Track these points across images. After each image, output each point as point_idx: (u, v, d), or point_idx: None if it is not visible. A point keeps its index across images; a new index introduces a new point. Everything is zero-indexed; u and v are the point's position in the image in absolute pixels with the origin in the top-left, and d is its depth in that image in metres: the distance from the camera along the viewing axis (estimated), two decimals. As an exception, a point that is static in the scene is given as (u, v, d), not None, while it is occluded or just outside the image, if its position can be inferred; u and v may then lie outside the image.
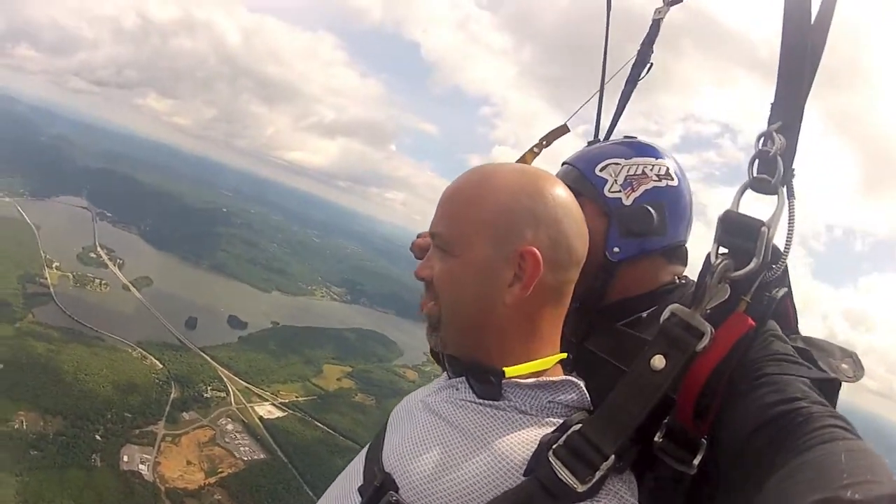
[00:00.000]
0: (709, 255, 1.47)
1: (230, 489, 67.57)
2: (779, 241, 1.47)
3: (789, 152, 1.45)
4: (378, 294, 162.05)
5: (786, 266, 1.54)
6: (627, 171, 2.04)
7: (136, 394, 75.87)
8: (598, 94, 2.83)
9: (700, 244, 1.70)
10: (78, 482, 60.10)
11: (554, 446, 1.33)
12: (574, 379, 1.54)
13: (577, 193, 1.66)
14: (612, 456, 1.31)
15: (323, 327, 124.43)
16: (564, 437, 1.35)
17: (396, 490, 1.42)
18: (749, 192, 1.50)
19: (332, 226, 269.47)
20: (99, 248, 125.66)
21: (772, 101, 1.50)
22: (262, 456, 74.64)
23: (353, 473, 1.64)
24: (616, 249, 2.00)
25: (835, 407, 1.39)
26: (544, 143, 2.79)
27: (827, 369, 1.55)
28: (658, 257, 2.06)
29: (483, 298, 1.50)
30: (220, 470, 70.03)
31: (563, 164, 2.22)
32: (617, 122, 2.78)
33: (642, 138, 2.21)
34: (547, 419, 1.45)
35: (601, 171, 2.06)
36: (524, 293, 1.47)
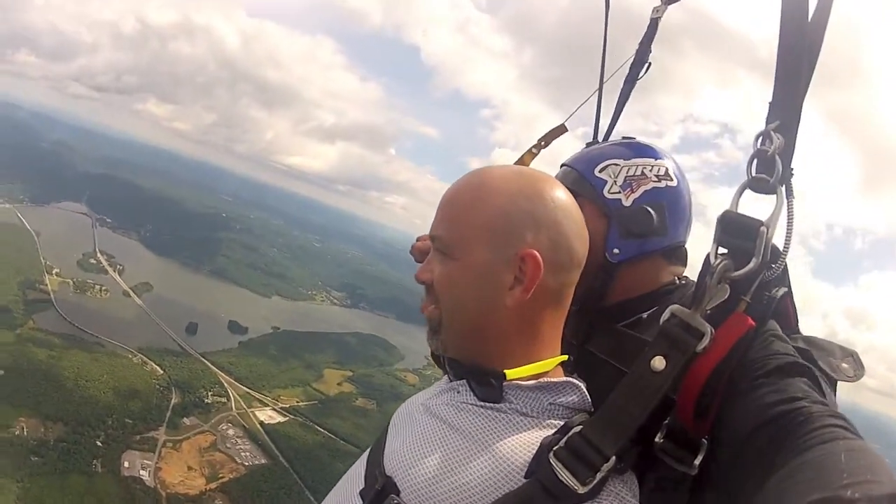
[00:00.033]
0: (708, 256, 1.46)
1: (231, 494, 67.52)
2: (778, 240, 1.47)
3: (788, 151, 1.45)
4: (378, 298, 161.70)
5: (785, 265, 1.53)
6: (627, 172, 2.04)
7: (136, 400, 75.82)
8: (596, 94, 2.83)
9: (699, 245, 1.69)
10: (79, 488, 60.00)
11: (555, 448, 1.33)
12: (575, 381, 1.54)
13: (576, 195, 1.67)
14: (613, 457, 1.31)
15: (323, 332, 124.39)
16: (565, 438, 1.35)
17: (398, 493, 1.42)
18: (748, 191, 1.49)
19: (332, 230, 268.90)
20: (99, 254, 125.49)
21: (770, 100, 1.50)
22: (263, 461, 74.52)
23: (355, 477, 1.64)
24: (616, 251, 1.99)
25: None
26: (542, 143, 2.79)
27: (827, 369, 1.55)
28: (658, 258, 2.06)
29: (484, 301, 1.50)
30: (221, 475, 69.88)
31: (562, 165, 2.22)
32: (616, 122, 2.77)
33: (641, 139, 2.21)
34: (548, 421, 1.45)
35: (600, 172, 2.05)
36: (525, 296, 1.47)
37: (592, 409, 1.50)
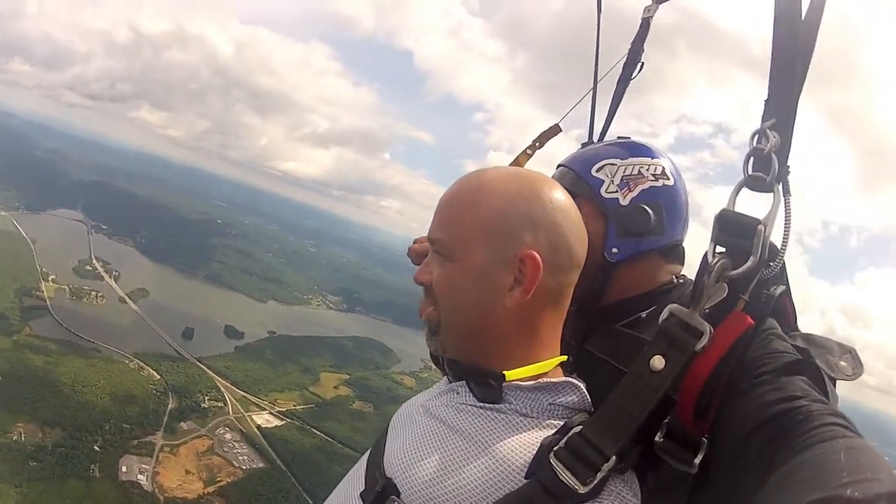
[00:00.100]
0: (706, 255, 1.46)
1: (229, 498, 67.34)
2: (775, 238, 1.46)
3: (784, 149, 1.44)
4: (374, 302, 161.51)
5: (783, 263, 1.52)
6: (624, 172, 2.04)
7: (133, 404, 75.61)
8: (590, 95, 2.83)
9: (696, 244, 1.70)
10: (77, 493, 59.91)
11: (555, 448, 1.33)
12: (574, 381, 1.54)
13: (573, 195, 1.66)
14: (614, 457, 1.31)
15: (320, 336, 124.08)
16: (565, 439, 1.35)
17: (398, 495, 1.42)
18: (745, 190, 1.49)
19: (327, 235, 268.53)
20: (95, 261, 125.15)
21: (765, 98, 1.49)
22: (260, 464, 74.37)
23: (355, 479, 1.64)
24: (614, 250, 1.99)
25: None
26: (537, 144, 2.79)
27: (825, 367, 1.54)
28: (656, 257, 2.05)
29: (483, 302, 1.50)
30: (218, 479, 69.75)
31: (559, 166, 2.21)
32: (611, 122, 2.77)
33: (637, 138, 2.20)
34: (548, 421, 1.45)
35: (597, 171, 2.05)
36: (525, 297, 1.47)
37: (592, 409, 1.49)
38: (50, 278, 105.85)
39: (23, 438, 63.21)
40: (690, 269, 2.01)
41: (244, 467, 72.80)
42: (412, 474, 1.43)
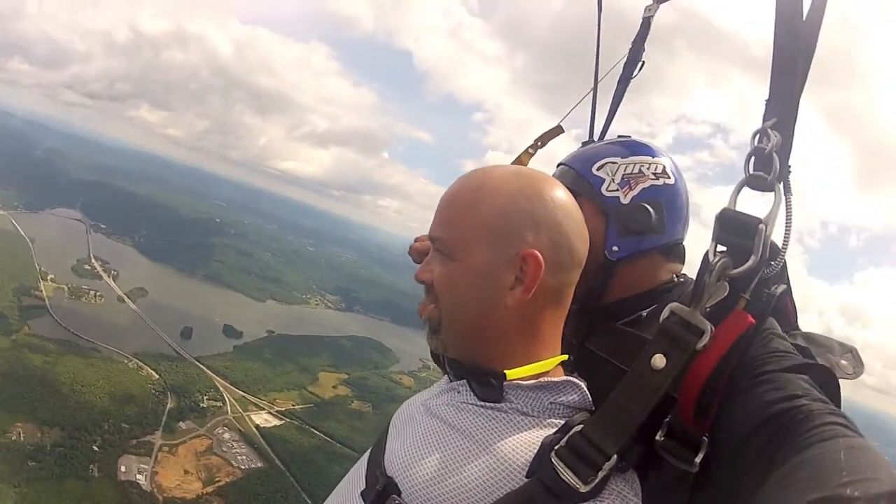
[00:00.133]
0: (707, 253, 1.46)
1: (228, 498, 67.27)
2: (776, 237, 1.45)
3: (785, 148, 1.44)
4: (373, 301, 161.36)
5: (784, 262, 1.52)
6: (624, 170, 2.04)
7: (132, 404, 75.51)
8: (591, 94, 2.83)
9: (696, 244, 1.69)
10: (76, 493, 59.81)
11: (556, 447, 1.33)
12: (575, 380, 1.54)
13: (574, 193, 1.66)
14: (615, 456, 1.31)
15: (318, 335, 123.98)
16: (566, 437, 1.35)
17: (399, 494, 1.42)
18: (745, 189, 1.49)
19: (325, 234, 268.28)
20: (93, 260, 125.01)
21: (766, 98, 1.50)
22: (259, 464, 74.27)
23: (356, 478, 1.64)
24: (615, 248, 1.99)
25: (839, 402, 1.40)
26: (539, 143, 2.80)
27: (826, 366, 1.54)
28: (657, 255, 2.06)
29: (484, 301, 1.50)
30: (217, 479, 69.69)
31: (559, 164, 2.21)
32: (611, 121, 2.78)
33: (637, 137, 2.20)
34: (549, 420, 1.45)
35: (598, 170, 2.06)
36: (526, 296, 1.47)
37: (593, 408, 1.50)
38: (49, 278, 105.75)
39: (21, 438, 63.11)
40: (691, 268, 2.01)
41: (243, 467, 72.75)
42: (413, 473, 1.43)
